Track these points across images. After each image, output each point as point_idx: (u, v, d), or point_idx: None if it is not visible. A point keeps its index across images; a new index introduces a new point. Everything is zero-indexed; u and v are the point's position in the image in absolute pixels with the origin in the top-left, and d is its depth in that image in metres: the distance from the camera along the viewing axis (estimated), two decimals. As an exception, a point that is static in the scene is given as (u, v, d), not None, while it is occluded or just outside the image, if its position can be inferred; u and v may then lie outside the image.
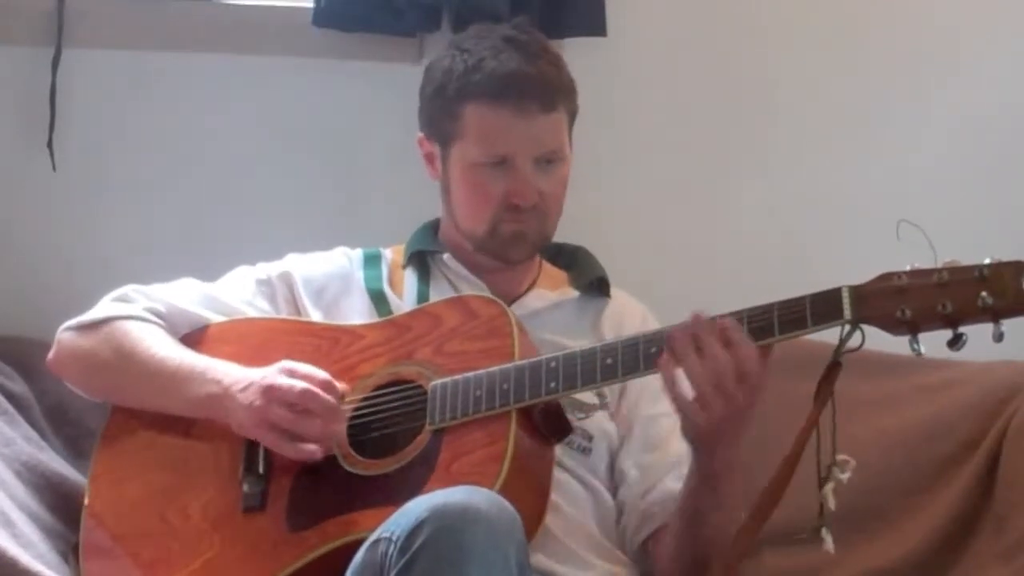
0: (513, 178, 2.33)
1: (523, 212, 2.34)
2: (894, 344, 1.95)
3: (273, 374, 2.18)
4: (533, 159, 2.33)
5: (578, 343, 2.28)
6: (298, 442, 2.15)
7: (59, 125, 2.76)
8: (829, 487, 2.00)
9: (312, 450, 2.15)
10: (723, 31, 2.91)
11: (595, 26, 2.79)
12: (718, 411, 1.99)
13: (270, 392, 2.15)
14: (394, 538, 1.87)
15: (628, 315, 2.43)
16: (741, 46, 2.91)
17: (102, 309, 2.36)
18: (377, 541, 1.91)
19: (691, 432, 2.06)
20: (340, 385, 2.19)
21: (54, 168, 2.76)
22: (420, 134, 2.44)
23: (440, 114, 2.38)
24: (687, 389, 2.01)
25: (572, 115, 2.41)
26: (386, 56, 2.81)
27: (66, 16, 2.75)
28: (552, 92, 2.35)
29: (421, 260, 2.46)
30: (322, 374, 2.18)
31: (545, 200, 2.35)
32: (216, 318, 2.39)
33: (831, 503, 2.00)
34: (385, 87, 2.80)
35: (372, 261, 2.48)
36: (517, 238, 2.36)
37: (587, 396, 2.23)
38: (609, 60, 2.83)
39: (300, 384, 2.15)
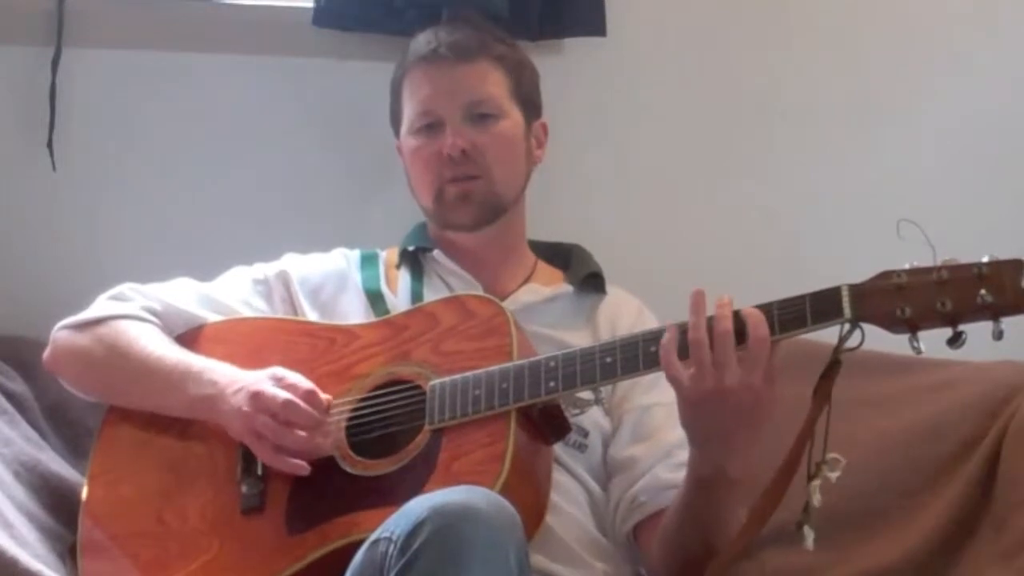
0: (443, 134, 2.39)
1: (457, 164, 2.38)
2: (894, 344, 1.95)
3: (262, 380, 2.18)
4: (461, 110, 2.39)
5: (572, 336, 2.29)
6: (283, 453, 2.15)
7: (59, 125, 2.75)
8: (816, 484, 1.99)
9: (296, 464, 2.14)
10: (723, 31, 2.92)
11: (595, 26, 2.80)
12: (706, 381, 1.96)
13: (256, 399, 2.15)
14: (394, 538, 1.87)
15: (623, 309, 2.44)
16: (741, 46, 2.92)
17: (98, 308, 2.36)
18: (377, 541, 1.90)
19: (682, 411, 2.03)
20: (325, 396, 2.19)
21: (54, 168, 2.76)
22: (396, 141, 2.52)
23: (392, 105, 2.49)
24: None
25: (511, 75, 2.45)
26: (386, 56, 2.80)
27: (66, 16, 2.74)
28: (471, 46, 2.42)
29: (414, 259, 2.47)
30: (307, 385, 2.18)
31: (482, 153, 2.39)
32: (212, 317, 2.39)
33: (816, 500, 1.99)
34: (385, 87, 2.79)
35: (369, 261, 2.49)
36: (462, 199, 2.40)
37: (582, 392, 2.22)
38: (609, 60, 2.83)
39: (283, 395, 2.14)
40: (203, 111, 2.84)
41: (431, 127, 2.41)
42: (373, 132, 2.83)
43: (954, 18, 2.93)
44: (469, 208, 2.40)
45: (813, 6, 2.93)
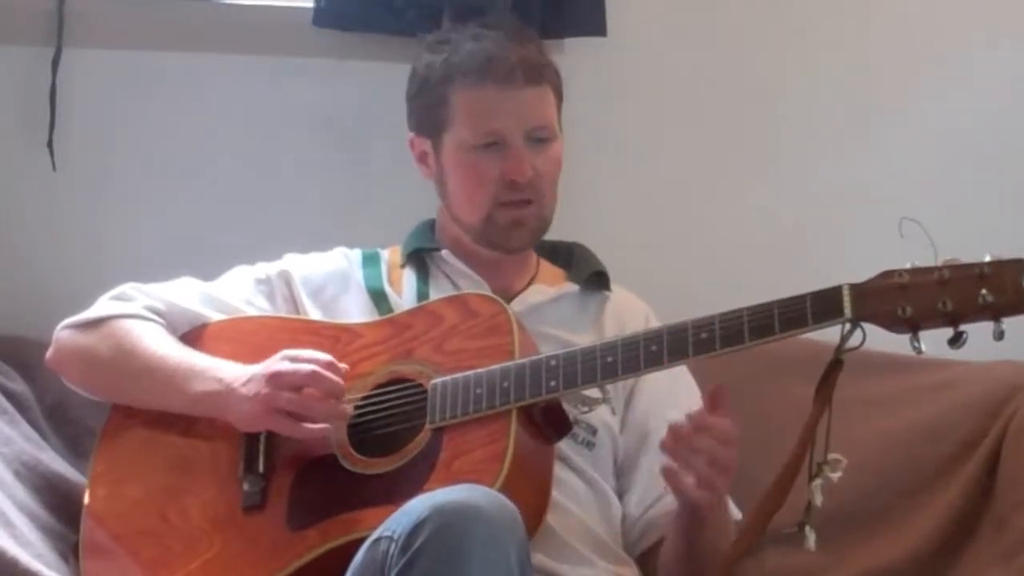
0: (506, 156, 2.34)
1: (520, 190, 2.34)
2: (894, 343, 1.95)
3: (275, 362, 2.18)
4: (524, 134, 2.34)
5: (579, 337, 2.29)
6: (307, 423, 2.16)
7: (59, 125, 2.75)
8: (817, 484, 1.99)
9: (320, 427, 2.15)
10: (723, 30, 2.91)
11: (595, 26, 2.79)
12: (720, 484, 2.04)
13: (276, 379, 2.15)
14: (395, 537, 1.87)
15: (630, 313, 2.43)
16: (741, 45, 2.91)
17: (101, 307, 2.36)
18: (378, 540, 1.91)
19: (692, 506, 2.09)
20: (342, 365, 2.19)
21: (54, 168, 2.76)
22: (410, 135, 2.46)
23: (428, 106, 2.40)
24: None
25: (559, 96, 2.41)
26: (386, 56, 2.81)
27: (66, 16, 2.74)
28: (536, 66, 2.36)
29: (419, 259, 2.46)
30: (325, 356, 2.18)
31: (540, 178, 2.35)
32: (215, 316, 2.39)
33: (817, 500, 1.99)
34: (385, 87, 2.79)
35: (371, 261, 2.48)
36: (515, 225, 2.37)
37: (591, 390, 2.22)
38: (609, 60, 2.83)
39: (306, 367, 2.15)
40: (203, 111, 2.84)
41: (492, 145, 2.35)
42: (373, 132, 2.84)
43: (954, 18, 2.92)
44: (522, 235, 2.38)
45: (813, 6, 2.93)
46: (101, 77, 2.81)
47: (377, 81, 2.82)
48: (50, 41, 2.75)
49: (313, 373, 2.15)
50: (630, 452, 2.34)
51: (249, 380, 2.19)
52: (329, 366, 2.17)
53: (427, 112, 2.41)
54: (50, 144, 2.75)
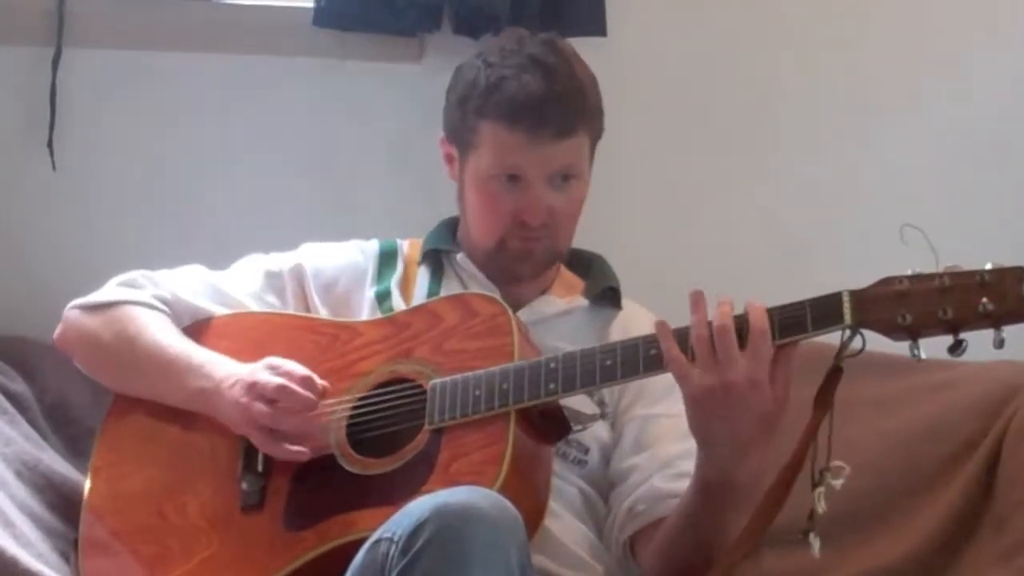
0: (523, 195, 2.30)
1: (532, 230, 2.32)
2: (894, 344, 1.94)
3: (258, 370, 2.18)
4: (545, 178, 2.30)
5: (583, 350, 2.28)
6: (283, 441, 2.15)
7: (59, 125, 2.76)
8: (820, 491, 1.98)
9: (296, 451, 2.15)
10: (723, 31, 2.91)
11: (595, 26, 2.79)
12: (710, 376, 1.96)
13: (252, 389, 2.16)
14: (396, 538, 1.87)
15: (635, 324, 2.39)
16: (742, 46, 2.91)
17: (110, 292, 2.37)
18: (378, 541, 1.90)
19: (688, 411, 2.02)
20: (320, 382, 2.19)
21: (54, 168, 2.77)
22: (442, 134, 2.42)
23: (460, 124, 2.36)
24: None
25: (595, 137, 2.37)
26: (386, 56, 2.81)
27: (66, 16, 2.75)
28: (572, 118, 2.30)
29: (436, 258, 2.45)
30: (302, 370, 2.18)
31: (556, 218, 2.33)
32: (220, 311, 2.39)
33: (820, 508, 1.98)
34: (385, 87, 2.80)
35: (387, 258, 2.47)
36: (524, 256, 2.35)
37: (587, 406, 2.22)
38: (609, 60, 2.81)
39: (276, 380, 2.15)
40: (203, 111, 2.85)
41: (512, 178, 2.32)
42: (373, 132, 2.84)
43: (954, 18, 2.92)
44: (529, 265, 2.36)
45: (813, 6, 2.93)
46: (101, 77, 2.82)
47: (377, 81, 2.82)
48: (50, 41, 2.75)
49: (281, 387, 2.14)
50: (616, 446, 2.33)
51: (235, 383, 2.19)
52: (303, 381, 2.16)
53: (458, 128, 2.36)
54: (50, 144, 2.76)
